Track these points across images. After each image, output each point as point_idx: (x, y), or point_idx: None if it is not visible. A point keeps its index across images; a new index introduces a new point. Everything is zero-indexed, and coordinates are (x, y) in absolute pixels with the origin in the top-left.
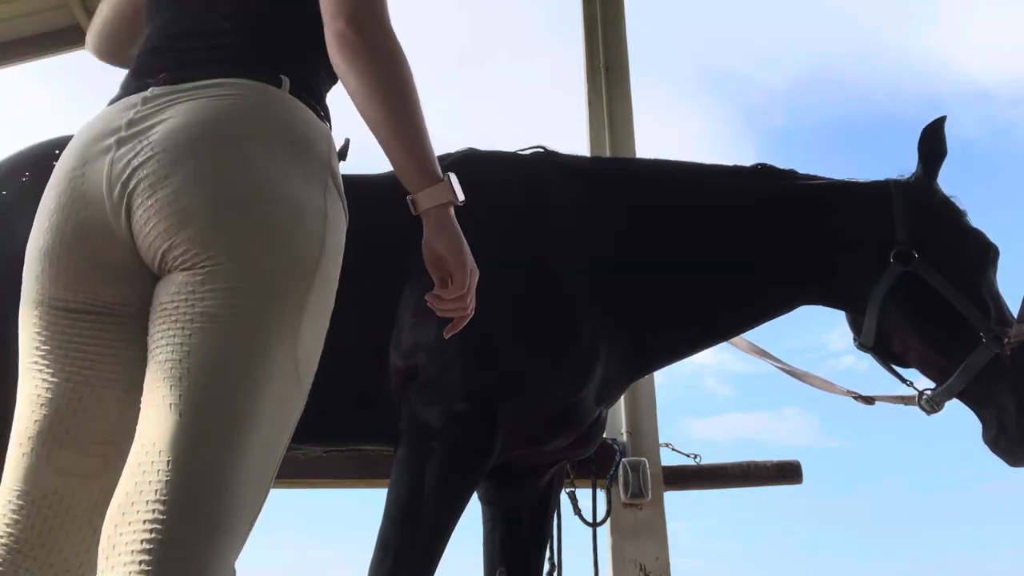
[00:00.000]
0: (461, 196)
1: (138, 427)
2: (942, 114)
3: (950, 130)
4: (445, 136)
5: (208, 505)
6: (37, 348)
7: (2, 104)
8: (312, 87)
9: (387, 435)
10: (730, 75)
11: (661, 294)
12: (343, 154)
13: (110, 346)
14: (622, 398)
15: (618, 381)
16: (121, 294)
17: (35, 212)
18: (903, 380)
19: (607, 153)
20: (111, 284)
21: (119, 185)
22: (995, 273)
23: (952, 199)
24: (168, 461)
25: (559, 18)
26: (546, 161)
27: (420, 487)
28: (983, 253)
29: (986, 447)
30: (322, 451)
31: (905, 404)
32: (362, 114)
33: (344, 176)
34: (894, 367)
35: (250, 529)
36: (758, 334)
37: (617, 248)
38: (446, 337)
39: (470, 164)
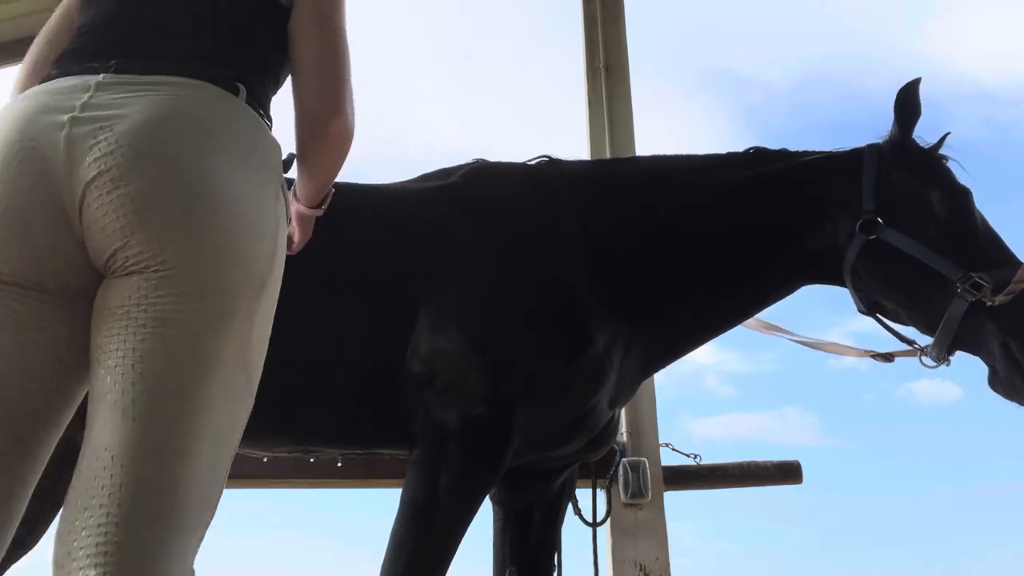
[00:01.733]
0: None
1: (88, 429)
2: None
3: (949, 129)
4: (446, 136)
5: (161, 508)
6: None
7: (2, 103)
8: (262, 98)
9: (404, 439)
10: (731, 74)
11: (666, 291)
12: (287, 166)
13: (41, 323)
14: None
15: (631, 382)
16: (62, 276)
17: None
18: (904, 340)
19: (607, 153)
20: (52, 262)
21: (79, 169)
22: (972, 214)
23: (927, 149)
24: (121, 466)
25: (559, 18)
26: (553, 169)
27: (435, 488)
28: (952, 200)
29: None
30: (339, 454)
31: (919, 355)
32: (305, 168)
33: (361, 186)
34: (896, 328)
35: (206, 528)
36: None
37: (623, 250)
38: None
39: (481, 176)
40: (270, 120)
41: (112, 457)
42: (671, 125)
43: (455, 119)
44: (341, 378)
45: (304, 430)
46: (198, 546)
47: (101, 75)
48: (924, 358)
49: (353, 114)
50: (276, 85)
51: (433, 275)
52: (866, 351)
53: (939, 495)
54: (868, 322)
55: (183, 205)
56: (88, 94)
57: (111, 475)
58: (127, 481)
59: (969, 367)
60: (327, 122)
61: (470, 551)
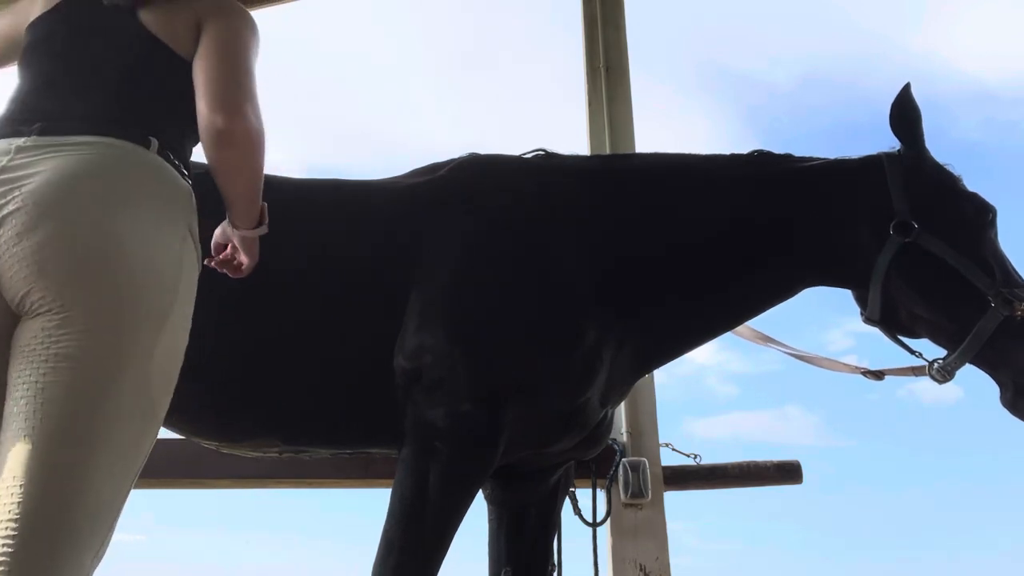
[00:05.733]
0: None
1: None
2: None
3: (950, 130)
4: (445, 136)
5: (56, 524)
6: None
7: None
8: (177, 148)
9: (393, 438)
10: (731, 75)
11: (662, 291)
12: None
13: None
14: None
15: (623, 381)
16: None
17: None
18: (912, 351)
19: (607, 152)
20: None
21: None
22: (996, 234)
23: (945, 166)
24: (21, 486)
25: (559, 18)
26: (548, 163)
27: (424, 486)
28: (982, 215)
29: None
30: (329, 454)
31: (916, 375)
32: (222, 184)
33: (348, 182)
34: (903, 339)
35: (104, 542)
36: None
37: (619, 247)
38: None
39: (473, 168)
40: (188, 167)
41: (14, 478)
42: (671, 125)
43: (455, 119)
44: (329, 376)
45: (293, 430)
46: (96, 559)
47: (23, 139)
48: (933, 372)
49: (253, 118)
50: (194, 133)
51: (420, 270)
52: (857, 368)
53: (940, 495)
54: None
55: (79, 255)
56: (8, 157)
57: (12, 494)
58: (26, 501)
59: (969, 367)
60: (219, 123)
61: (466, 551)
